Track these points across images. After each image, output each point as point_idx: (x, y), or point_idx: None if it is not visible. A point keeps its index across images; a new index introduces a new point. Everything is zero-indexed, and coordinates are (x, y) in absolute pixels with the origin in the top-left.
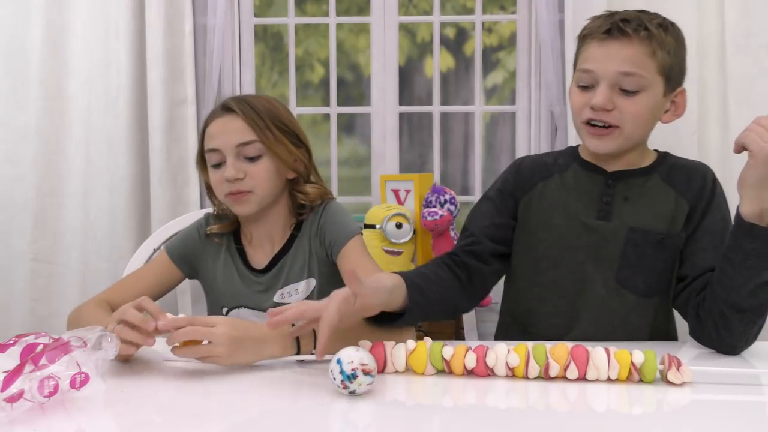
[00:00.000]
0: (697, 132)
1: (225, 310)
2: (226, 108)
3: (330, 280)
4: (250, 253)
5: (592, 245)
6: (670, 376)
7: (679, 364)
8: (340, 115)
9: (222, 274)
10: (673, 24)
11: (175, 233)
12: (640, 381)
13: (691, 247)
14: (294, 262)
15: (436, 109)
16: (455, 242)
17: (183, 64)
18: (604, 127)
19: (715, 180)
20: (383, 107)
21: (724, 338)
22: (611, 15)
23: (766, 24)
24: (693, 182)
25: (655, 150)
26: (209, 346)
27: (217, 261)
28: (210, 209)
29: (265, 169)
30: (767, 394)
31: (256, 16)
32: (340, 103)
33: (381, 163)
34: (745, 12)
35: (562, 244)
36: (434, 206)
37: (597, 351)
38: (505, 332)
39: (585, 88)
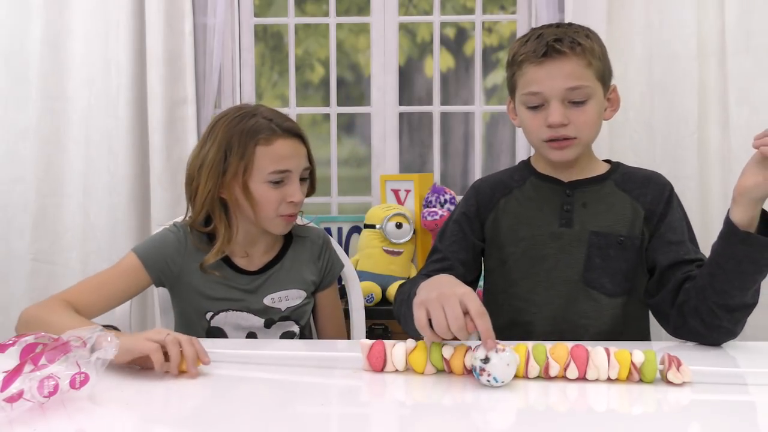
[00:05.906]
0: (697, 132)
1: (210, 315)
2: (293, 132)
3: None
4: (236, 260)
5: (559, 252)
6: (670, 376)
7: (679, 364)
8: (340, 115)
9: (209, 279)
10: (591, 30)
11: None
12: (640, 381)
13: (655, 243)
14: (286, 271)
15: (436, 109)
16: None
17: (183, 64)
18: (563, 139)
19: (672, 192)
20: (383, 107)
21: (712, 334)
22: (539, 37)
23: (766, 24)
24: (649, 189)
25: (607, 160)
26: None
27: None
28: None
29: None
30: (767, 394)
31: (256, 16)
32: (340, 103)
33: (381, 163)
34: (745, 12)
35: (530, 254)
36: (434, 206)
37: (597, 351)
38: None
39: (535, 108)
